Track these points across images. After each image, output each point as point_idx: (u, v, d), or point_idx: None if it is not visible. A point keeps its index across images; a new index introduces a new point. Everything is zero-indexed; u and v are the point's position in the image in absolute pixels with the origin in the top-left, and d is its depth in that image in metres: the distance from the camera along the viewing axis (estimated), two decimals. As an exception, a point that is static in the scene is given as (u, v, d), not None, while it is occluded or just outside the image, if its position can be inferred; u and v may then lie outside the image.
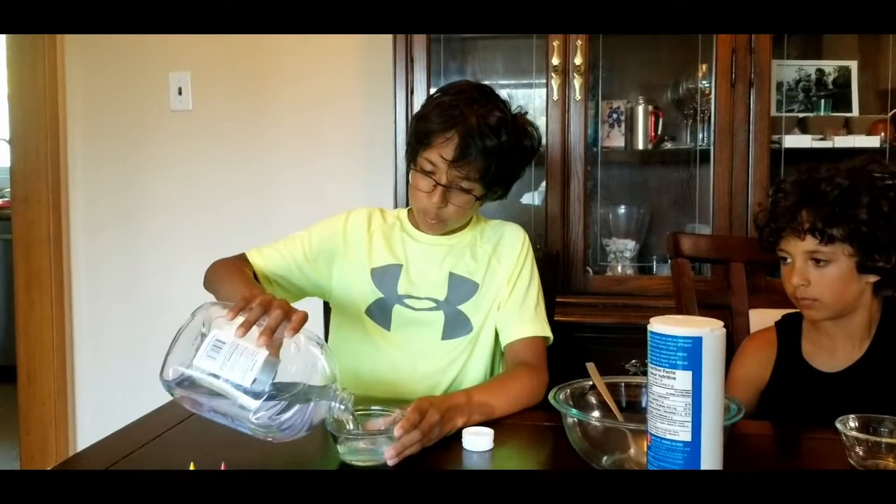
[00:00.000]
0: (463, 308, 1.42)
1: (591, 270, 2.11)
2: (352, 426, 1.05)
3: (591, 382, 1.08)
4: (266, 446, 1.12)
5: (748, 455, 1.07)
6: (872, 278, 1.26)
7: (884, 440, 0.99)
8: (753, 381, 1.38)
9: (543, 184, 2.11)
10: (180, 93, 2.50)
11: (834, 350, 1.32)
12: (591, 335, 1.93)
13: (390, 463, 1.01)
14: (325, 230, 1.49)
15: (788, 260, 1.28)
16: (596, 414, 1.05)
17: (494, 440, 1.09)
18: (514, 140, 1.37)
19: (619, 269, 2.20)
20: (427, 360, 1.41)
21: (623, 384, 1.10)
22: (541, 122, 2.10)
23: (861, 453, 0.99)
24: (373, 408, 1.12)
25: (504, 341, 1.43)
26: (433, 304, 1.42)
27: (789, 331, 1.38)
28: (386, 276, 1.44)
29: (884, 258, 1.23)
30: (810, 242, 1.24)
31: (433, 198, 1.36)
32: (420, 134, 1.37)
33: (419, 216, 1.45)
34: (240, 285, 1.29)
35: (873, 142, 2.05)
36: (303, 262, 1.46)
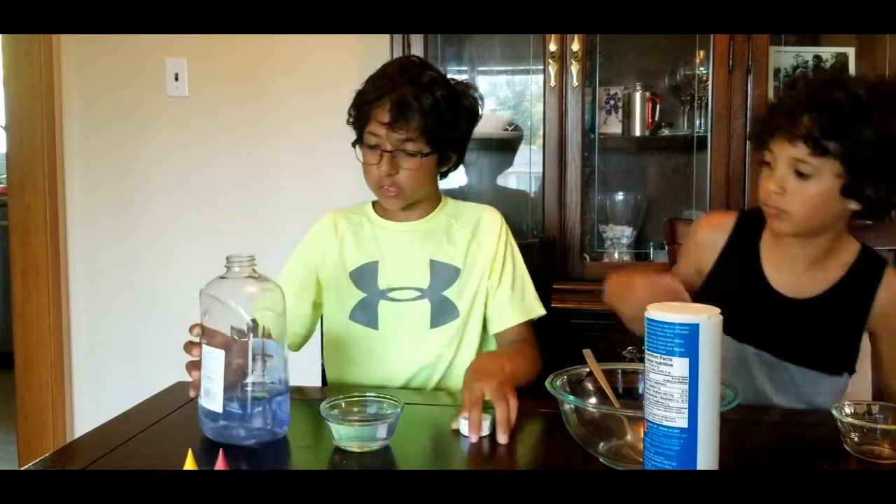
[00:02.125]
0: (447, 294, 1.42)
1: (587, 257, 2.11)
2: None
3: (587, 369, 1.08)
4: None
5: (744, 442, 1.07)
6: (854, 205, 1.17)
7: (879, 426, 1.00)
8: (700, 262, 1.34)
9: (540, 170, 2.10)
10: (177, 79, 2.49)
11: (791, 271, 1.26)
12: (587, 322, 1.93)
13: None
14: (297, 260, 1.49)
15: (773, 165, 1.19)
16: (593, 400, 1.05)
17: (490, 426, 1.09)
18: (450, 96, 1.39)
19: (616, 255, 2.20)
20: (418, 351, 1.41)
21: (620, 371, 1.10)
22: (538, 109, 2.10)
23: (856, 439, 1.00)
24: (368, 394, 1.12)
25: (495, 329, 1.44)
26: (418, 293, 1.42)
27: (748, 226, 1.31)
28: (364, 275, 1.43)
29: (873, 186, 1.13)
30: (800, 150, 1.13)
31: (382, 167, 1.37)
32: (359, 110, 1.40)
33: (378, 193, 1.43)
34: None
35: (870, 128, 2.04)
36: (298, 305, 1.45)
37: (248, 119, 2.48)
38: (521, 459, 1.08)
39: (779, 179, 1.17)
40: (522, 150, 2.34)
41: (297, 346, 1.47)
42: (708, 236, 1.35)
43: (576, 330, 1.91)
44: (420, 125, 1.35)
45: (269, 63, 2.46)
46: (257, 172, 2.50)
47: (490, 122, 2.38)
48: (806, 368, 1.25)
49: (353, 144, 1.43)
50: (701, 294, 1.30)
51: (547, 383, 1.03)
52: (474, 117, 1.46)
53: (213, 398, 1.04)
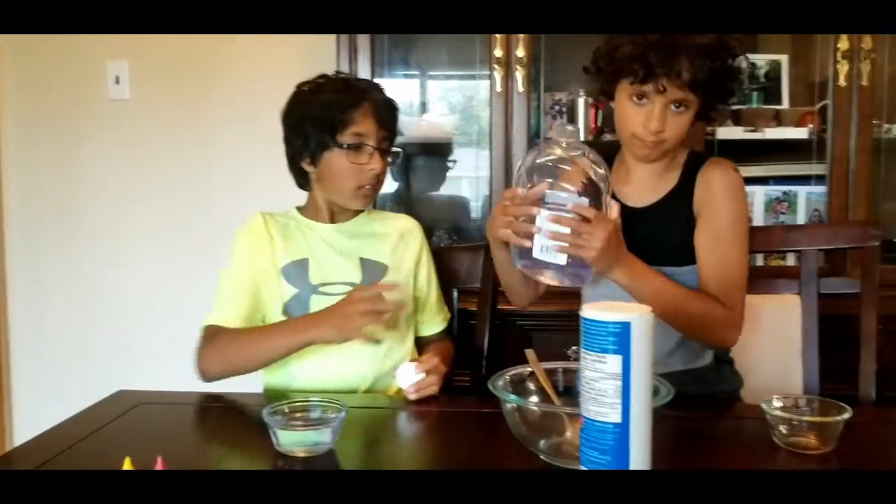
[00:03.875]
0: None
1: (532, 260, 2.13)
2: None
3: (530, 369, 1.10)
4: (203, 440, 1.12)
5: (676, 436, 1.10)
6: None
7: (805, 419, 1.04)
8: None
9: (488, 175, 2.12)
10: (118, 81, 2.45)
11: (640, 186, 1.36)
12: (531, 323, 1.96)
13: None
14: (240, 254, 1.46)
15: (644, 100, 1.27)
16: (534, 399, 1.08)
17: (435, 425, 1.10)
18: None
19: (561, 258, 2.23)
20: (353, 343, 1.34)
21: (561, 369, 1.12)
22: (485, 114, 2.11)
23: (784, 431, 1.04)
24: (311, 398, 1.11)
25: (426, 333, 1.55)
26: (350, 287, 1.41)
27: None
28: (296, 271, 1.44)
29: (716, 107, 1.31)
30: (681, 89, 1.24)
31: (373, 164, 1.42)
32: (333, 120, 1.41)
33: (355, 194, 1.44)
34: (272, 333, 1.37)
35: (802, 133, 2.11)
36: (253, 287, 1.44)
37: (190, 122, 2.45)
38: (463, 459, 1.10)
39: (661, 117, 1.26)
40: (470, 154, 2.36)
41: None
42: None
43: (521, 330, 1.94)
44: (391, 125, 1.47)
45: (212, 66, 2.43)
46: (200, 175, 2.47)
47: (437, 126, 2.40)
48: (662, 266, 1.30)
49: (301, 158, 1.48)
50: None
51: (489, 383, 1.04)
52: None
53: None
